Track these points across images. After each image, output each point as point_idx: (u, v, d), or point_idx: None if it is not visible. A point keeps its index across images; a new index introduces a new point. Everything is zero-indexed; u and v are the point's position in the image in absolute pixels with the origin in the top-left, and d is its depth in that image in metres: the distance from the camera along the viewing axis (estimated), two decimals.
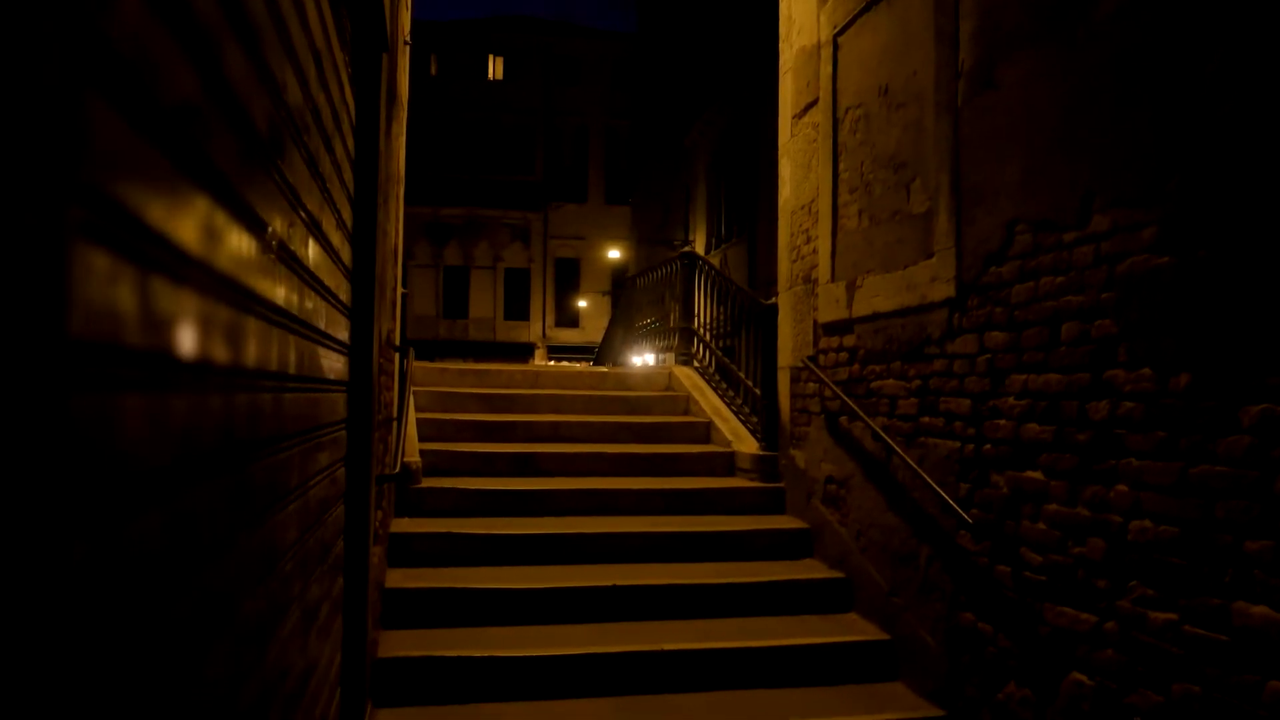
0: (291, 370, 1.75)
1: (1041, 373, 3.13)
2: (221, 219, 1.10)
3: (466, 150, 32.13)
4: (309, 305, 1.93)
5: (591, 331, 28.63)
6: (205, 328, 1.05)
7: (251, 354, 1.34)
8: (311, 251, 1.94)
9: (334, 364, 2.44)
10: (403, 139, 4.68)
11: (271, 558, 1.62)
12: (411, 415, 5.58)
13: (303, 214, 1.82)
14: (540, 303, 32.60)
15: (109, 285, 0.73)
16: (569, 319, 32.52)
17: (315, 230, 1.99)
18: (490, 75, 33.00)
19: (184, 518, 1.01)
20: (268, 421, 1.53)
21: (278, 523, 1.68)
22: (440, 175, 31.11)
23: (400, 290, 5.01)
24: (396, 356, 4.75)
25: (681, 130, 21.49)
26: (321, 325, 2.15)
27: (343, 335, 2.66)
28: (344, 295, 2.67)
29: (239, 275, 1.22)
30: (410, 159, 6.38)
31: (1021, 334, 3.25)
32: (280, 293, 1.56)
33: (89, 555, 0.72)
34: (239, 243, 1.20)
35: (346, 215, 2.70)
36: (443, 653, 3.76)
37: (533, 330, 32.32)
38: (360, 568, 3.03)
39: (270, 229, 1.44)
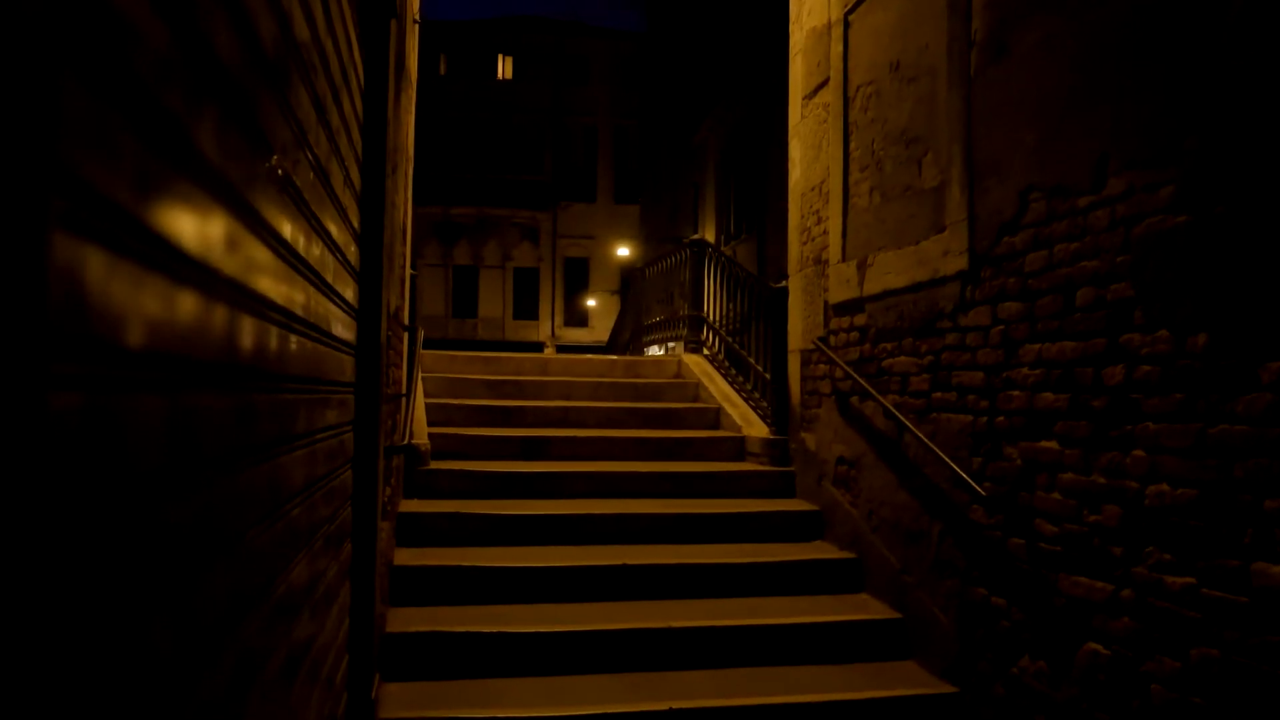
0: (298, 312, 1.73)
1: (1056, 341, 3.10)
2: (222, 117, 1.09)
3: (476, 150, 32.15)
4: (315, 251, 1.91)
5: (600, 331, 28.58)
6: (203, 217, 1.03)
7: (255, 276, 1.32)
8: (318, 195, 1.92)
9: (341, 323, 2.43)
10: (412, 116, 4.67)
11: (277, 497, 1.61)
12: (420, 399, 5.57)
13: (309, 155, 1.80)
14: (549, 302, 32.61)
15: (92, 108, 0.71)
16: (578, 318, 32.50)
17: (321, 177, 1.98)
18: (500, 75, 33.04)
19: (184, 415, 0.99)
20: (273, 356, 1.52)
21: (284, 465, 1.66)
22: (450, 175, 31.14)
23: (409, 271, 5.00)
24: (405, 336, 4.73)
25: (691, 129, 21.50)
26: (329, 277, 2.13)
27: (350, 296, 2.65)
28: (352, 256, 2.66)
29: (240, 186, 1.20)
30: (420, 158, 6.36)
31: (1035, 303, 3.21)
32: (285, 225, 1.55)
33: (78, 410, 0.70)
34: (240, 150, 1.18)
35: (355, 177, 2.69)
36: (451, 628, 3.74)
37: (541, 330, 32.32)
38: (368, 536, 3.01)
39: (274, 154, 1.43)
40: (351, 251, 2.65)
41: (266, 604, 1.51)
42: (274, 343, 1.52)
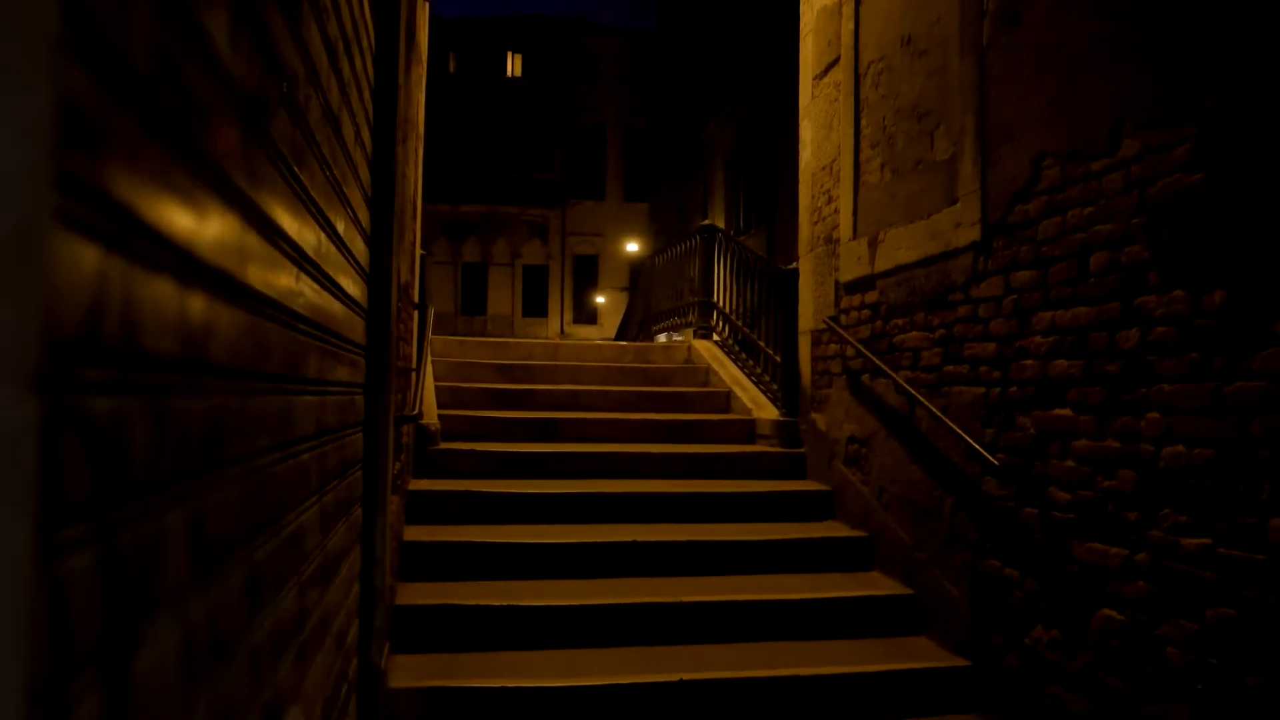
0: (309, 252, 1.72)
1: (1070, 307, 3.07)
2: (234, 18, 1.08)
3: (485, 148, 32.22)
4: (325, 197, 1.90)
5: (609, 328, 28.60)
6: (213, 110, 1.02)
7: (265, 197, 1.32)
8: (329, 140, 1.91)
9: (352, 280, 2.42)
10: (422, 93, 4.67)
11: (288, 434, 1.60)
12: (429, 379, 5.57)
13: (320, 99, 1.80)
14: (558, 299, 32.64)
15: None
16: (587, 315, 32.52)
17: (332, 124, 1.97)
18: (509, 73, 33.09)
19: (190, 311, 0.98)
20: (283, 290, 1.51)
21: (294, 405, 1.66)
22: (459, 173, 31.23)
23: (419, 250, 5.00)
24: (415, 314, 4.73)
25: (699, 124, 21.48)
26: (339, 228, 2.13)
27: (362, 258, 2.65)
28: (363, 218, 2.65)
29: (250, 92, 1.19)
30: (429, 156, 6.37)
31: (1049, 270, 3.19)
32: (295, 157, 1.54)
33: (83, 255, 0.69)
34: (250, 52, 1.17)
35: (365, 138, 2.68)
36: (461, 601, 3.74)
37: (550, 327, 32.36)
38: (378, 503, 3.01)
39: (285, 79, 1.42)
40: (363, 213, 2.64)
41: (277, 534, 1.51)
42: (283, 276, 1.51)
